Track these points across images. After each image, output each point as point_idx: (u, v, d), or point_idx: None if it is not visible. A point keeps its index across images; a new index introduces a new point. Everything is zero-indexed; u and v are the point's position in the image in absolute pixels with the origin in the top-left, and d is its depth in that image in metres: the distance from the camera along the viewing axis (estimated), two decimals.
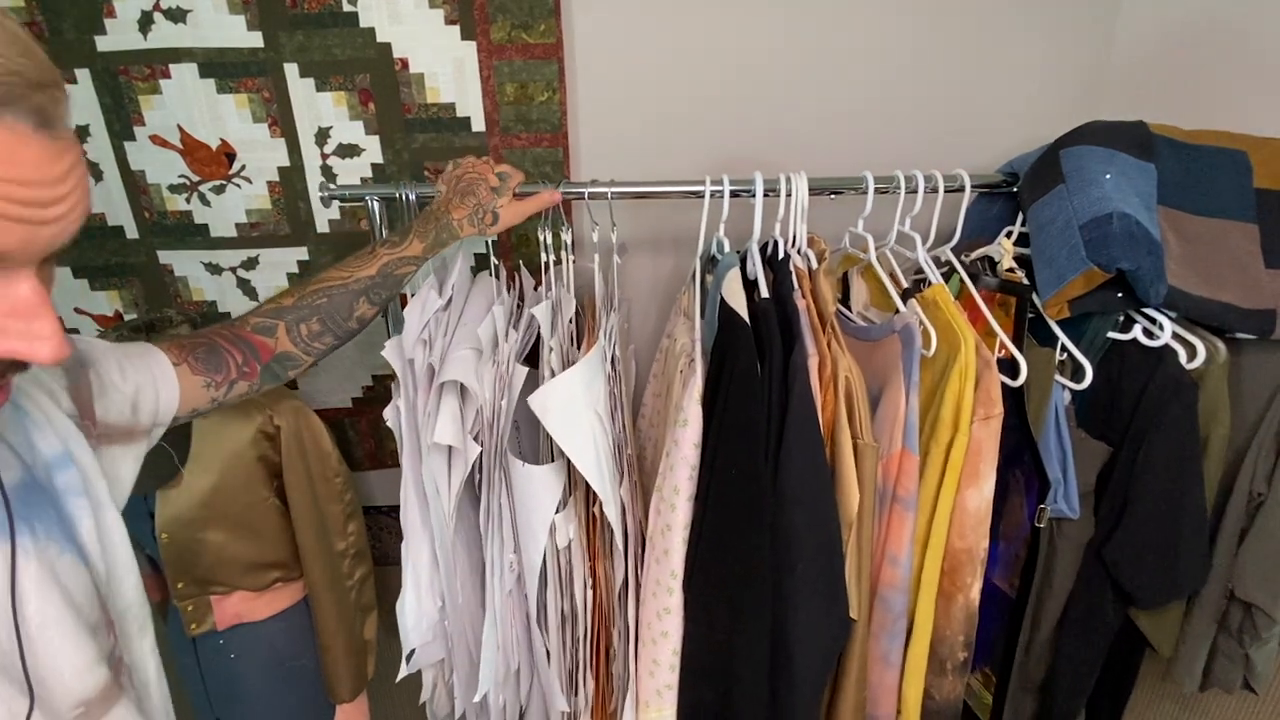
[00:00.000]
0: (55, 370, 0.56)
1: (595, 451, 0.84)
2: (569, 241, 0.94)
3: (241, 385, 0.74)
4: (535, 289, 1.06)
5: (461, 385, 0.89)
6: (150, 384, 0.65)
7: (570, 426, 0.83)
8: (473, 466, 0.90)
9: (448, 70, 1.05)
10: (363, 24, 1.01)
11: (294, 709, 1.17)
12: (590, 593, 0.96)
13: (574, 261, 0.97)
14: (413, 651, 1.03)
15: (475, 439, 0.90)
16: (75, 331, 1.17)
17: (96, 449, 0.58)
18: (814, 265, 0.91)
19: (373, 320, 0.84)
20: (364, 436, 1.31)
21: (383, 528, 1.37)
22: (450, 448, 0.90)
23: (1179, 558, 0.89)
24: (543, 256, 0.93)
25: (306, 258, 1.16)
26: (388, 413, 0.96)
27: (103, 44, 1.00)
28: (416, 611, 1.01)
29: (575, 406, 0.84)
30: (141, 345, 0.67)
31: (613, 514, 0.87)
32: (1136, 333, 0.87)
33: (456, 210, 0.86)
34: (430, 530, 0.98)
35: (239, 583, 1.09)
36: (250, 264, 1.16)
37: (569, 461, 0.90)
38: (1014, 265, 0.94)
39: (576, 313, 1.00)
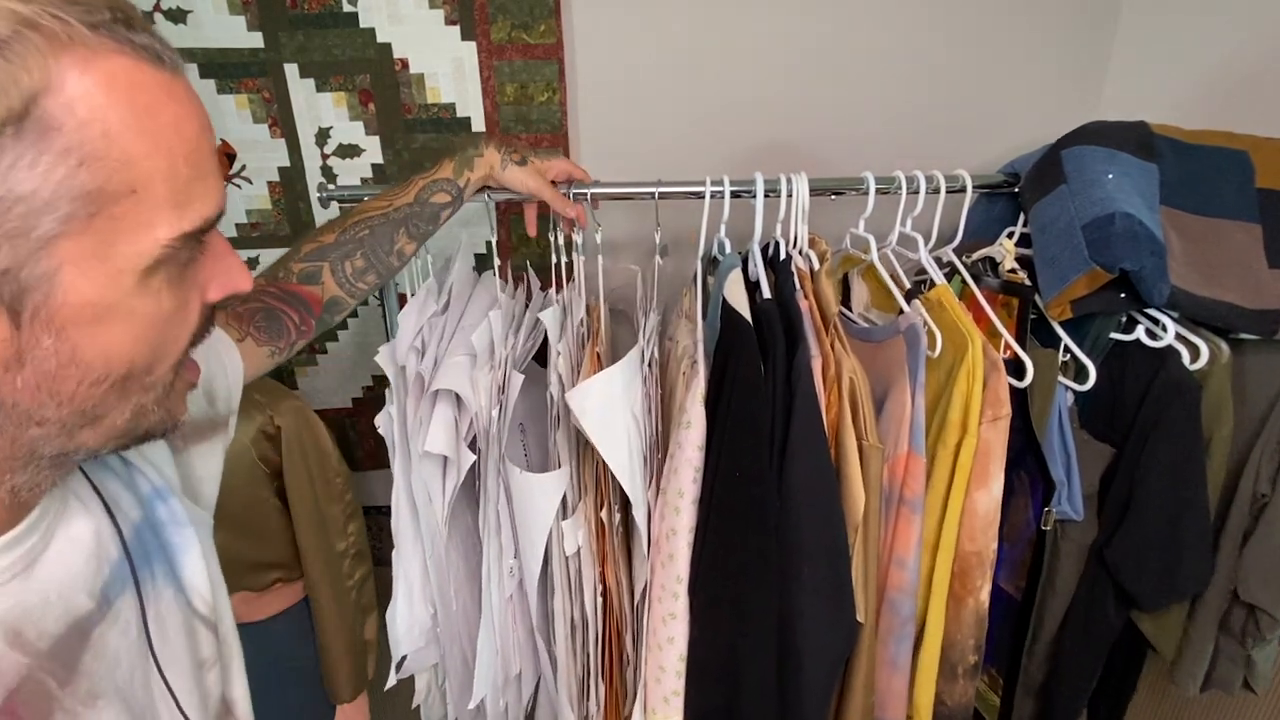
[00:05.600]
0: None
1: (629, 452, 0.83)
2: (580, 242, 0.93)
3: (300, 344, 0.73)
4: (542, 290, 1.05)
5: (456, 393, 0.88)
6: (220, 369, 0.61)
7: (606, 426, 0.82)
8: (471, 473, 0.89)
9: (448, 70, 1.04)
10: (363, 24, 1.01)
11: (294, 709, 1.16)
12: (601, 599, 0.95)
13: (592, 262, 0.95)
14: (404, 659, 1.02)
15: (472, 446, 0.89)
16: None
17: (182, 451, 0.55)
18: (816, 266, 0.90)
19: (411, 257, 0.83)
20: (364, 436, 1.30)
21: (383, 528, 1.36)
22: (445, 456, 0.89)
23: (1181, 559, 0.88)
24: (554, 258, 0.93)
25: None
26: (379, 419, 0.95)
27: None
28: (408, 618, 1.00)
29: (613, 406, 0.83)
30: None
31: (640, 516, 0.86)
32: (1139, 333, 0.87)
33: (488, 139, 0.85)
34: (422, 538, 0.97)
35: (239, 583, 1.09)
36: (250, 264, 1.15)
37: (572, 468, 0.90)
38: (1016, 266, 0.93)
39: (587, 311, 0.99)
